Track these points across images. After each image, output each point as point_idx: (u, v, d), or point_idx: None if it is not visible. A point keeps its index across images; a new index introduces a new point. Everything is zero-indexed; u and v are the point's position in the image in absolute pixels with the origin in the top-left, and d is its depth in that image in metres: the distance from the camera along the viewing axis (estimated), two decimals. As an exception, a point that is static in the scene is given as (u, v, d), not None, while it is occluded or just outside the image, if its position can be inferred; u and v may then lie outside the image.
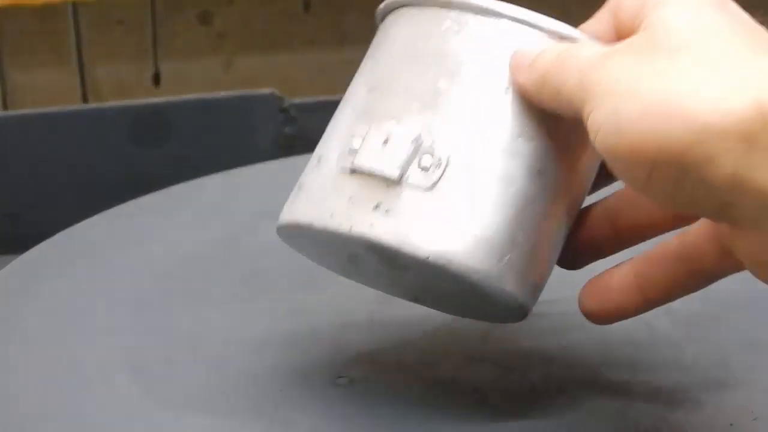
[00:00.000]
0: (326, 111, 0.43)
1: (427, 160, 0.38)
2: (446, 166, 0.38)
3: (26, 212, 0.90)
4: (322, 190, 0.39)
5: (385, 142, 0.38)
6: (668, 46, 0.34)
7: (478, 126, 0.38)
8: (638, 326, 0.49)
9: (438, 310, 0.44)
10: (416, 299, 0.43)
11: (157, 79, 2.19)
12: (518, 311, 0.40)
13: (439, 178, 0.38)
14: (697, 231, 0.39)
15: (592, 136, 0.35)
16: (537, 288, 0.40)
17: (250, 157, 0.79)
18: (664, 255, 0.40)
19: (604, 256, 0.43)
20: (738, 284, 0.41)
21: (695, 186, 0.33)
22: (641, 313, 0.41)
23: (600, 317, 0.41)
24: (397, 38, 0.40)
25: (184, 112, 1.01)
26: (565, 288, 0.46)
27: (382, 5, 0.41)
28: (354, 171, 0.38)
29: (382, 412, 0.44)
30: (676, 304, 0.41)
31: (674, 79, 0.33)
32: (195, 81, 2.17)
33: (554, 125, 0.38)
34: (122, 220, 0.64)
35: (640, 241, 0.42)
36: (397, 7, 0.40)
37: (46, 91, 2.12)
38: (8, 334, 0.52)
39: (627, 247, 0.42)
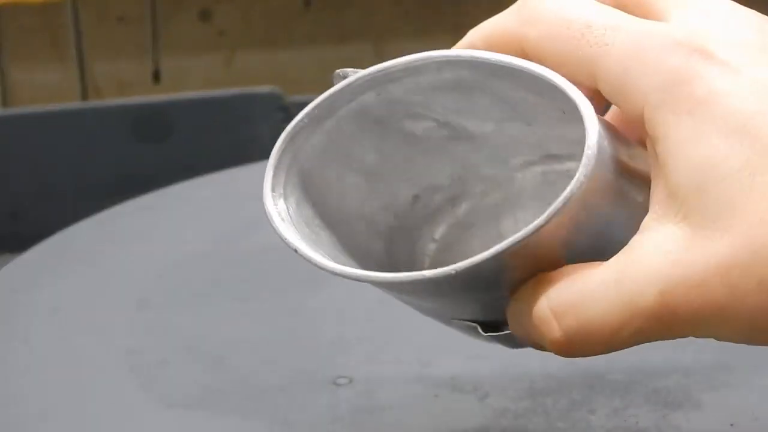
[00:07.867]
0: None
1: None
2: None
3: (26, 211, 0.90)
4: None
5: None
6: None
7: None
8: (638, 326, 0.49)
9: None
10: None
11: (157, 76, 2.19)
12: None
13: None
14: None
15: None
16: None
17: (250, 155, 0.79)
18: None
19: None
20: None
21: None
22: None
23: None
24: None
25: (184, 109, 1.01)
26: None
27: None
28: None
29: (382, 412, 0.44)
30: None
31: None
32: (195, 78, 2.17)
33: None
34: (122, 220, 0.64)
35: None
36: None
37: (45, 87, 2.12)
38: (8, 334, 0.52)
39: None
